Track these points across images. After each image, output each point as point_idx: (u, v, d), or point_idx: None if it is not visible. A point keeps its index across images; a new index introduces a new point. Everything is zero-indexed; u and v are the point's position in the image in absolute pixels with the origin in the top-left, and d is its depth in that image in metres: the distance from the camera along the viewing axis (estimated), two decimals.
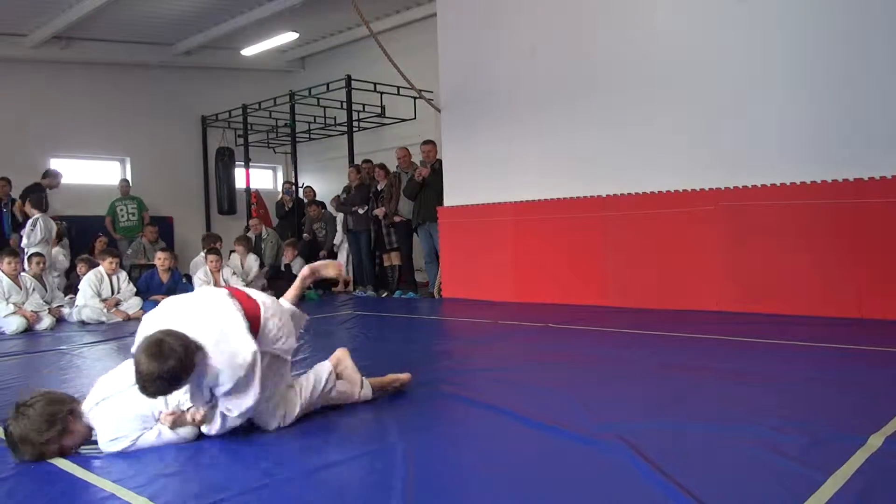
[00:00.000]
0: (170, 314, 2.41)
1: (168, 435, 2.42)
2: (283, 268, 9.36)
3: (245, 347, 2.34)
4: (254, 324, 2.49)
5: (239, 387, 2.33)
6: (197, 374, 2.26)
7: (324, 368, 2.81)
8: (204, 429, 2.47)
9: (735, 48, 5.64)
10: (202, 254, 7.98)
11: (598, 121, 6.45)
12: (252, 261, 8.44)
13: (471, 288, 7.55)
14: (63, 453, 2.36)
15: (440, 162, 8.00)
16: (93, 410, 2.43)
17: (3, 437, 2.42)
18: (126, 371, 2.43)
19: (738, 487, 1.92)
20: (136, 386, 2.20)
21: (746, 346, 4.17)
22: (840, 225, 5.15)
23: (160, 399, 2.36)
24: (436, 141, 8.17)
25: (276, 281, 8.76)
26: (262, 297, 2.64)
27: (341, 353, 2.95)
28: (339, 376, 2.86)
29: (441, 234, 7.86)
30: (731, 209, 5.65)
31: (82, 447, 2.43)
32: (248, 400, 2.37)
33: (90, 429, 2.42)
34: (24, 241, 7.45)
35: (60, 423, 2.32)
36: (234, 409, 2.39)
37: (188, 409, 2.43)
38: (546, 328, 5.29)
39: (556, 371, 3.72)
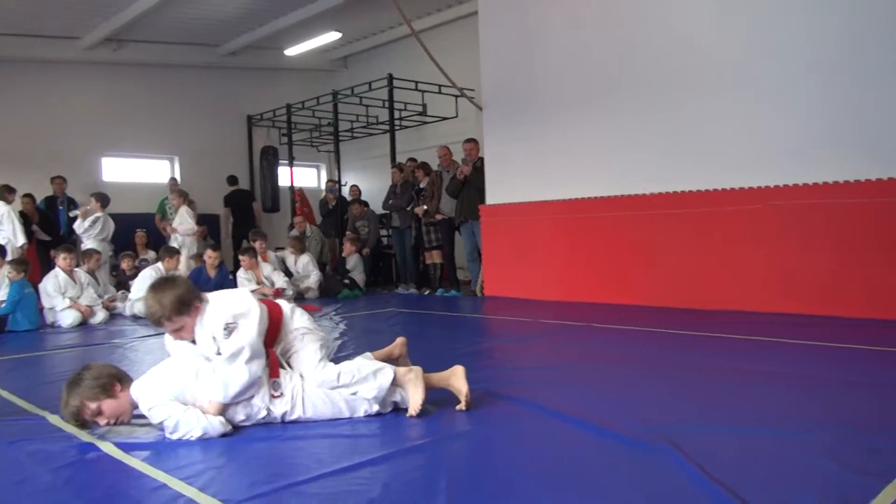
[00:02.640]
0: None
1: (196, 418, 2.50)
2: (324, 264, 9.46)
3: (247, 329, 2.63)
4: (276, 322, 2.78)
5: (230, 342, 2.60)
6: (199, 317, 2.69)
7: (385, 375, 2.75)
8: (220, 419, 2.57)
9: (782, 46, 5.49)
10: None
11: (642, 119, 6.35)
12: (305, 261, 8.59)
13: (513, 286, 7.52)
14: (105, 419, 2.54)
15: (482, 160, 7.98)
16: (137, 386, 2.59)
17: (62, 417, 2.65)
18: (175, 360, 2.71)
19: (791, 494, 1.87)
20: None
21: (804, 349, 4.05)
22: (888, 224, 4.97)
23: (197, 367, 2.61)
24: (478, 139, 8.16)
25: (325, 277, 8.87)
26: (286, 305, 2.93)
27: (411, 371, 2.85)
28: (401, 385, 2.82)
29: (483, 233, 7.85)
30: (780, 208, 5.49)
31: (127, 421, 2.60)
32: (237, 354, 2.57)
33: (133, 405, 2.57)
34: (78, 227, 8.33)
35: (106, 379, 2.54)
36: (224, 359, 2.58)
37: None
38: (588, 327, 5.23)
39: (599, 371, 3.68)
